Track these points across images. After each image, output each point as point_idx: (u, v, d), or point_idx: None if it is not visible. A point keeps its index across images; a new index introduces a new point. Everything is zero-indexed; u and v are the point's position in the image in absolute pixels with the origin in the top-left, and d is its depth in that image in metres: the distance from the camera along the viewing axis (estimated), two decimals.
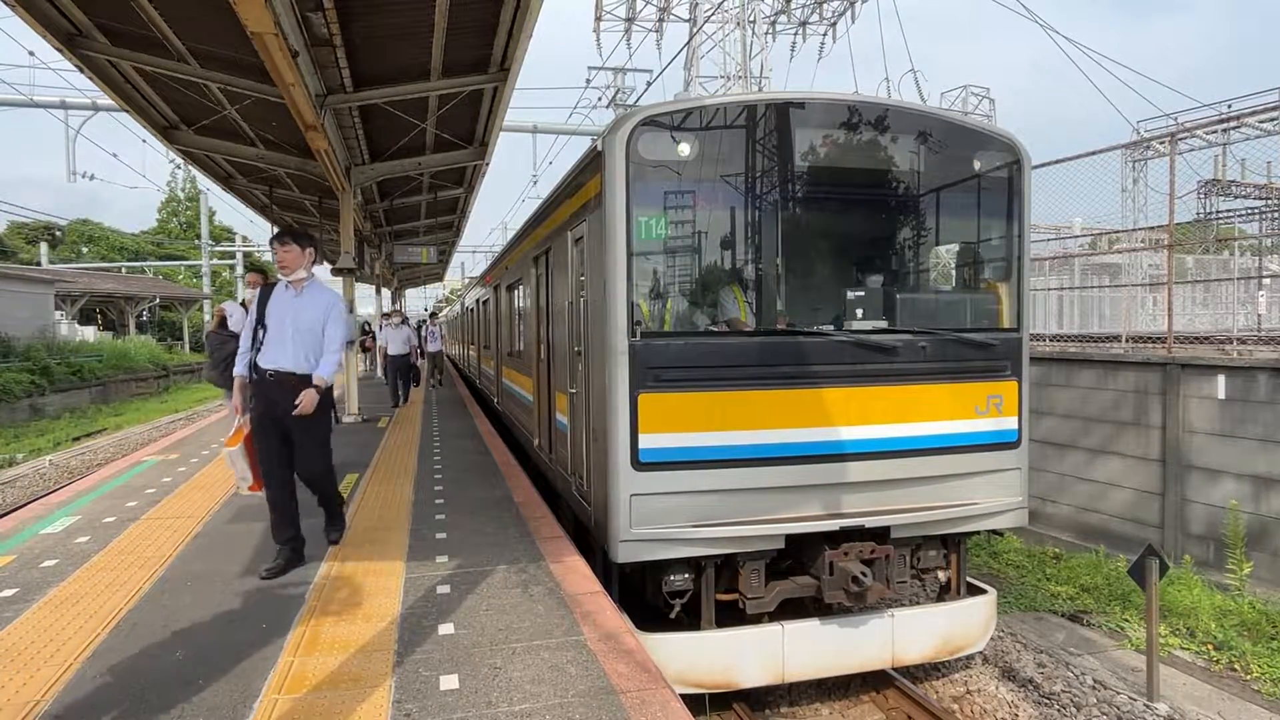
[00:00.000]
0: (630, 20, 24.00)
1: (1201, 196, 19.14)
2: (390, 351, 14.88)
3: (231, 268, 51.97)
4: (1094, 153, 10.96)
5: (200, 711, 3.24)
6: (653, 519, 5.08)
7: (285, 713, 3.23)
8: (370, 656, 3.76)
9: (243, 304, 9.63)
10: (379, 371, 20.69)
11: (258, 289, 9.18)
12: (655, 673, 3.64)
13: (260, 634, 4.02)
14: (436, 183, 15.46)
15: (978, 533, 6.14)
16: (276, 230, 5.16)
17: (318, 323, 5.00)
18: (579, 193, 6.06)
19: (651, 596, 5.47)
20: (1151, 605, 5.98)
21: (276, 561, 5.00)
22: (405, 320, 16.45)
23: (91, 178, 25.02)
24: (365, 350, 21.42)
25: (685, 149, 5.17)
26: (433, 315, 27.75)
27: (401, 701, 3.33)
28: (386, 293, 27.45)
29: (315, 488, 5.28)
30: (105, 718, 3.20)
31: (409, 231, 21.73)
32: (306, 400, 4.81)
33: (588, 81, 23.47)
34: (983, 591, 6.21)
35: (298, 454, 5.02)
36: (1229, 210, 19.46)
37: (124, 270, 50.22)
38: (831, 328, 5.46)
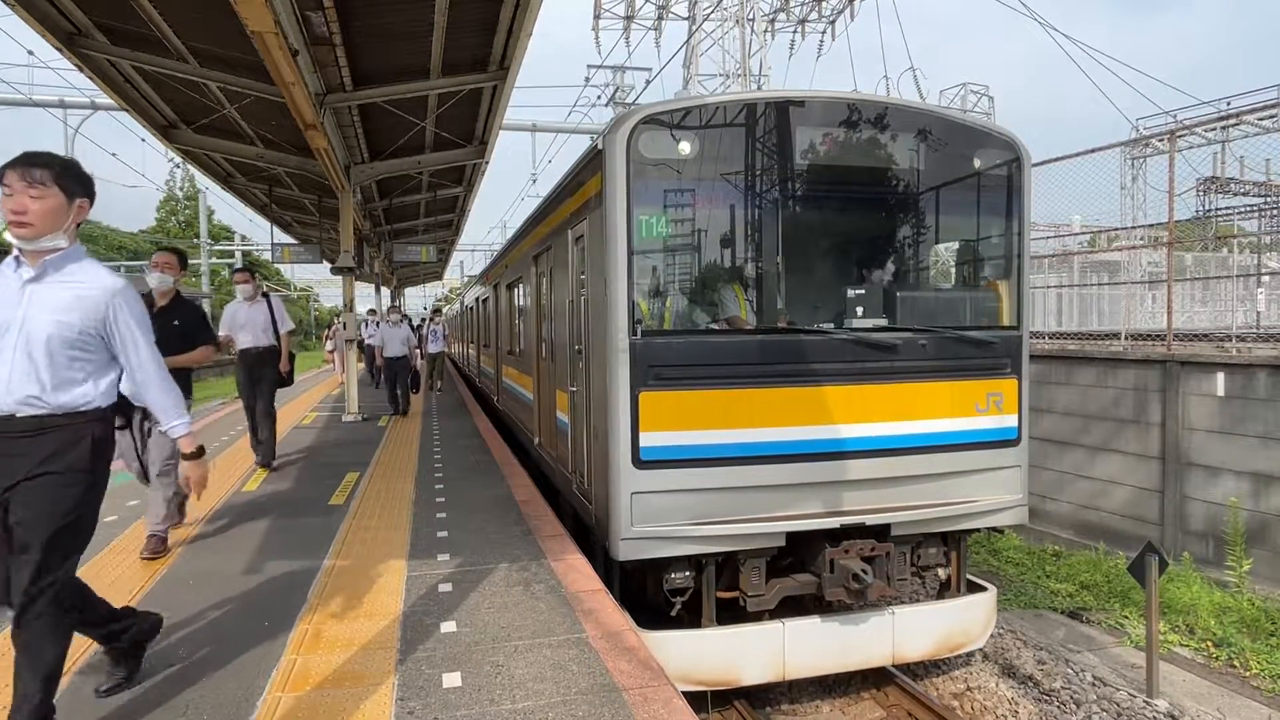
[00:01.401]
0: (629, 18, 23.99)
1: (1200, 194, 19.18)
2: (387, 353, 13.26)
3: (230, 267, 51.95)
4: (1093, 150, 10.97)
5: (203, 709, 3.24)
6: (654, 517, 5.09)
7: (288, 710, 3.24)
8: (373, 654, 3.77)
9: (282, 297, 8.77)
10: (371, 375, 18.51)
11: (250, 290, 8.01)
12: (657, 670, 3.65)
13: (263, 632, 4.02)
14: (436, 181, 15.47)
15: (978, 530, 6.16)
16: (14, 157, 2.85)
17: (75, 330, 2.81)
18: (579, 191, 6.06)
19: (652, 594, 5.48)
20: (1151, 602, 6.00)
21: None
22: (405, 318, 15.38)
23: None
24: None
25: (686, 147, 5.17)
26: (436, 312, 24.70)
27: (405, 699, 3.34)
28: (386, 291, 27.38)
29: (66, 620, 2.89)
30: (109, 716, 3.20)
31: (408, 230, 21.73)
32: (192, 476, 3.06)
33: (587, 80, 23.49)
34: (983, 589, 6.23)
35: (14, 566, 2.74)
36: (1228, 207, 19.50)
37: (123, 269, 50.16)
38: (832, 326, 5.47)
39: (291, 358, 8.36)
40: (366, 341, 17.97)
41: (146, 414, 4.83)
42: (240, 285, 8.20)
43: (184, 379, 5.05)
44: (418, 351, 17.14)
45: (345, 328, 13.57)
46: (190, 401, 5.16)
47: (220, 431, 11.56)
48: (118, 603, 3.38)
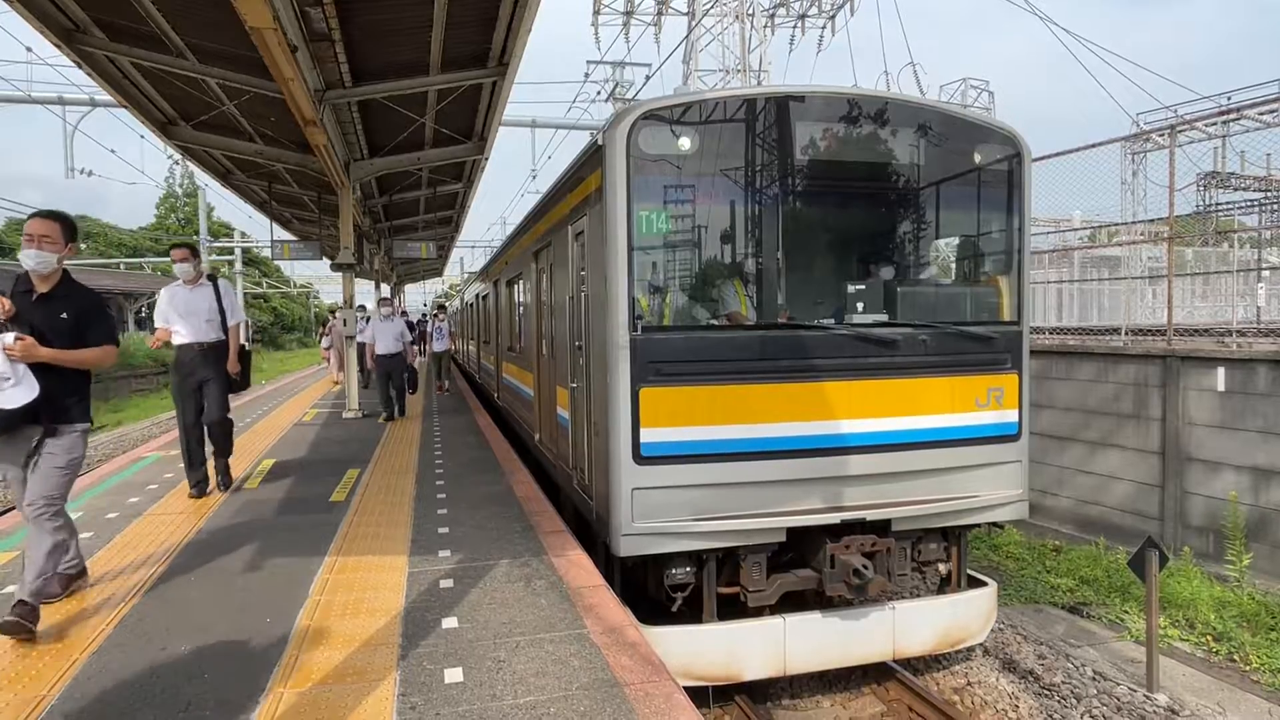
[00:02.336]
0: (629, 14, 23.98)
1: (1201, 189, 19.15)
2: (379, 350, 12.05)
3: (230, 264, 51.88)
4: (1093, 145, 10.97)
5: (206, 705, 3.25)
6: (654, 513, 5.10)
7: (291, 706, 3.25)
8: (375, 650, 3.77)
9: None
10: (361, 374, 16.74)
11: (189, 269, 6.32)
12: (659, 665, 3.66)
13: (265, 628, 4.03)
14: (435, 178, 15.45)
15: (978, 525, 6.17)
16: None
17: None
18: (579, 187, 6.06)
19: (653, 590, 5.49)
20: (1151, 597, 6.01)
21: None
22: (398, 312, 14.04)
23: (90, 174, 24.95)
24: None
25: (686, 143, 5.17)
26: (440, 308, 22.35)
27: (407, 694, 3.34)
28: (386, 288, 27.32)
29: None
30: (111, 712, 3.21)
31: (408, 227, 21.71)
32: None
33: (586, 76, 23.42)
34: (983, 584, 6.24)
35: None
36: (1228, 202, 19.48)
37: (122, 267, 50.11)
38: (832, 321, 5.48)
39: (246, 356, 6.79)
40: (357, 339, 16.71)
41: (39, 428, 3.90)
42: (179, 264, 6.48)
43: (78, 386, 4.07)
44: (415, 349, 16.55)
45: (345, 324, 13.54)
46: (89, 424, 4.15)
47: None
48: (122, 601, 3.35)
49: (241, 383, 6.83)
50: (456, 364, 24.44)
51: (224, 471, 7.16)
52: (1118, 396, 9.67)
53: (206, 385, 6.60)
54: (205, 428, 6.71)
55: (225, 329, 6.59)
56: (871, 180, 5.77)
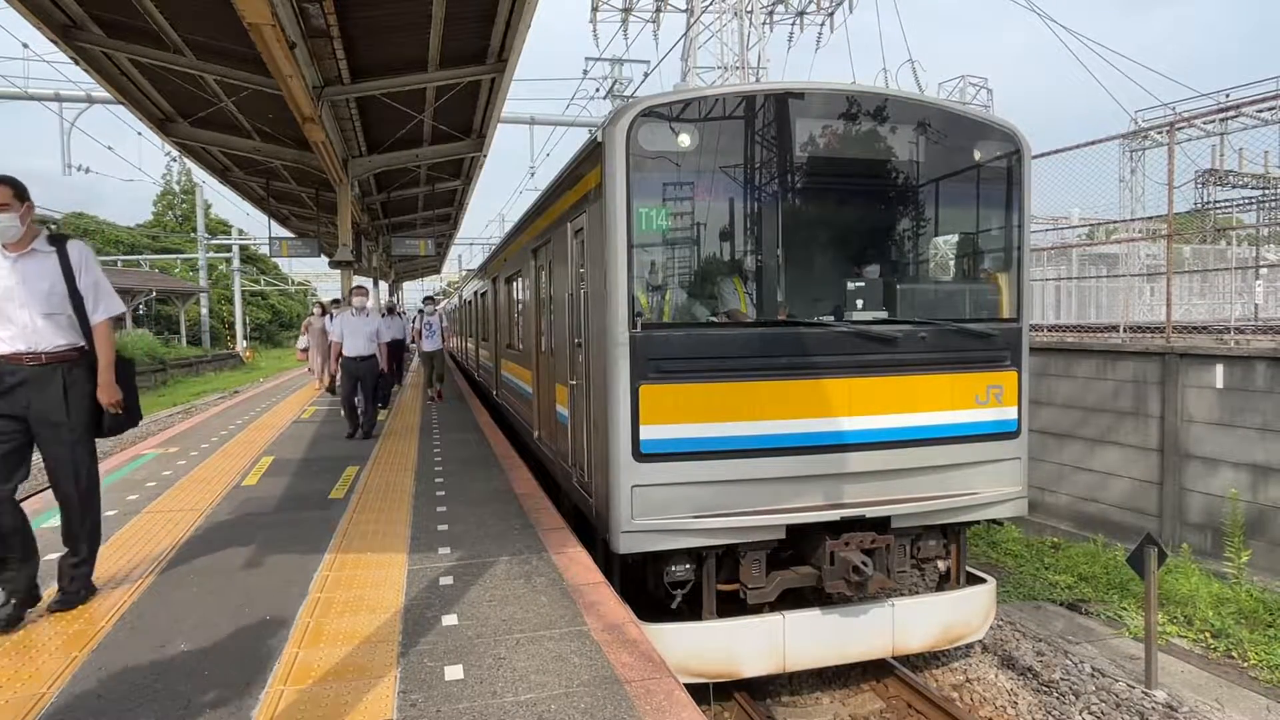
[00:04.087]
0: (627, 11, 23.94)
1: (1199, 186, 19.15)
2: (347, 352, 9.84)
3: (228, 261, 51.81)
4: (1092, 143, 10.98)
5: (206, 703, 3.24)
6: (654, 510, 5.10)
7: (291, 704, 3.24)
8: (375, 648, 3.77)
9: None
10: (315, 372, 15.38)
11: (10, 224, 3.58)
12: (659, 662, 3.66)
13: (264, 626, 4.02)
14: (434, 175, 15.46)
15: (977, 522, 6.17)
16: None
17: None
18: (579, 184, 6.05)
19: (653, 587, 5.49)
20: (1150, 593, 6.02)
21: None
22: (381, 307, 12.21)
23: (87, 171, 24.96)
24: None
25: (685, 140, 5.16)
26: (429, 300, 18.74)
27: (407, 692, 3.34)
28: (384, 285, 27.26)
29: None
30: (111, 709, 3.20)
31: (406, 224, 21.72)
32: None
33: (585, 73, 23.42)
34: (982, 581, 6.25)
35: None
36: (1226, 200, 19.48)
37: (120, 264, 49.99)
38: (832, 318, 5.48)
39: (127, 371, 4.05)
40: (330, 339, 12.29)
41: None
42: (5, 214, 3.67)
43: None
44: (414, 347, 15.82)
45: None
46: None
47: (223, 422, 11.55)
48: (120, 599, 3.34)
49: (127, 419, 4.08)
50: (454, 361, 23.89)
51: (82, 575, 4.19)
52: (1116, 393, 9.69)
53: (49, 430, 3.83)
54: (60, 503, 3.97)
55: (84, 328, 3.89)
56: (871, 177, 5.77)
